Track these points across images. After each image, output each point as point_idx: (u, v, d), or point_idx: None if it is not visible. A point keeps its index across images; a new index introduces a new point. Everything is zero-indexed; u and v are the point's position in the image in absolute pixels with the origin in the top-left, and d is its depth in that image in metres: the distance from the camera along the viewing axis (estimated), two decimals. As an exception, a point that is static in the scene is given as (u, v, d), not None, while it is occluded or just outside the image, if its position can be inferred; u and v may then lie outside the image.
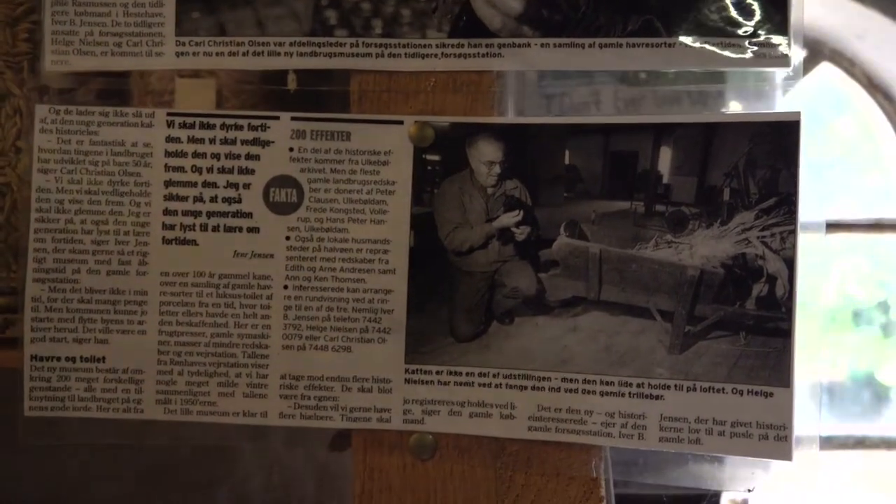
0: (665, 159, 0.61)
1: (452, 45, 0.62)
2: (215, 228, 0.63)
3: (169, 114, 0.63)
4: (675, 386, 0.60)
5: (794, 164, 0.59)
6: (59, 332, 0.63)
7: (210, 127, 0.63)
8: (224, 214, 0.63)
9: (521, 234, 0.62)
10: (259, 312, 0.63)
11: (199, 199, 0.63)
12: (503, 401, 0.62)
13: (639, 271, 0.61)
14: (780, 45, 0.60)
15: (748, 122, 0.60)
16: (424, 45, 0.62)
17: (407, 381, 0.63)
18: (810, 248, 0.59)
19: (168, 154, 0.63)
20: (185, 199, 0.63)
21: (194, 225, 0.63)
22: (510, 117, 0.64)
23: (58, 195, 0.63)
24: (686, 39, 0.61)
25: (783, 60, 0.60)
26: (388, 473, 0.63)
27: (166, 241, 0.63)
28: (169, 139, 0.63)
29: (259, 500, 1.06)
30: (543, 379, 0.62)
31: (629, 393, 0.61)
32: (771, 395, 0.59)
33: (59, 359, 0.63)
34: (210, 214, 0.63)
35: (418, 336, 0.62)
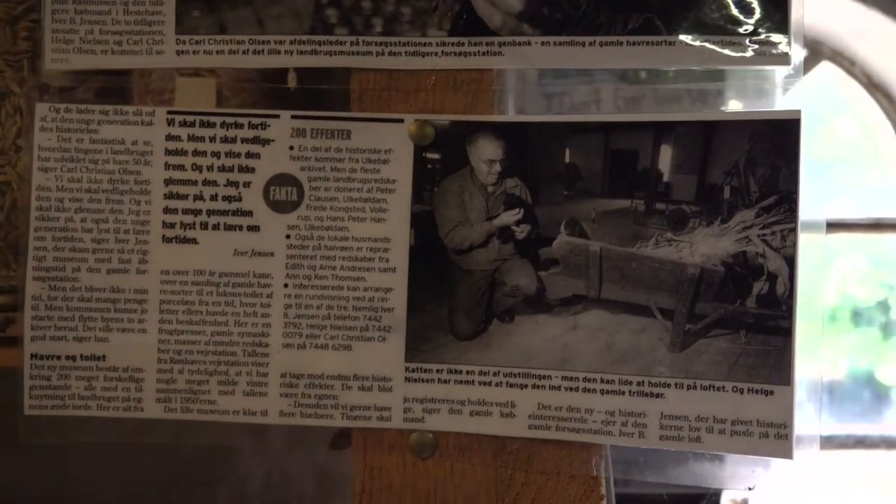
0: (665, 157, 0.61)
1: (453, 44, 0.62)
2: (215, 227, 0.63)
3: (169, 112, 0.63)
4: (676, 384, 0.60)
5: (795, 162, 0.59)
6: (60, 331, 0.63)
7: (210, 125, 0.63)
8: (224, 213, 0.63)
9: (522, 232, 0.62)
10: (259, 311, 0.63)
11: (199, 197, 0.63)
12: (503, 399, 0.62)
13: (639, 269, 0.61)
14: (780, 43, 0.60)
15: (748, 120, 0.60)
16: (425, 44, 0.62)
17: (407, 379, 0.63)
18: (811, 247, 0.59)
19: (168, 152, 0.63)
20: (185, 197, 0.63)
21: (194, 223, 0.63)
22: (510, 115, 0.64)
23: (58, 193, 0.63)
24: (686, 38, 0.61)
25: (783, 59, 0.60)
26: (389, 472, 0.63)
27: (166, 240, 0.63)
28: (169, 137, 0.63)
29: (259, 500, 1.06)
30: (544, 377, 0.61)
31: (629, 391, 0.60)
32: (771, 393, 0.59)
33: (59, 357, 0.63)
34: (210, 213, 0.63)
35: (419, 334, 0.62)
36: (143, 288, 0.63)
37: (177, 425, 0.64)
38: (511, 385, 0.62)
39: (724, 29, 0.61)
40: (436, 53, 0.62)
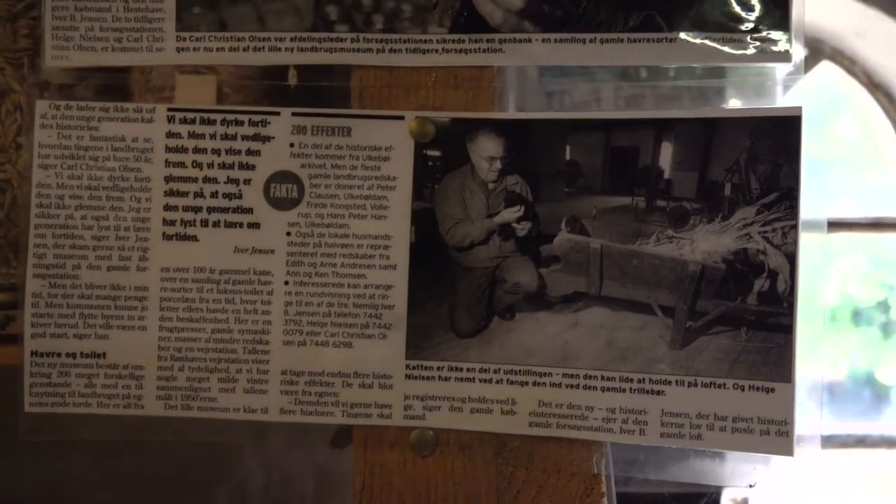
0: (666, 154, 0.61)
1: (453, 41, 0.62)
2: (216, 224, 0.63)
3: (169, 109, 0.63)
4: (677, 381, 0.60)
5: (796, 159, 0.59)
6: (60, 328, 0.63)
7: (211, 122, 0.63)
8: (224, 210, 0.63)
9: (522, 229, 0.62)
10: (260, 308, 0.63)
11: (199, 194, 0.63)
12: (504, 396, 0.62)
13: (640, 267, 0.61)
14: (781, 40, 0.60)
15: (749, 117, 0.60)
16: (425, 41, 0.62)
17: (408, 376, 0.62)
18: (812, 246, 0.59)
19: (168, 149, 0.63)
20: (185, 194, 0.63)
21: (195, 220, 0.63)
22: (511, 113, 0.64)
23: (58, 191, 0.63)
24: (687, 35, 0.61)
25: (784, 56, 0.60)
26: (389, 469, 0.63)
27: (167, 237, 0.63)
28: (169, 135, 0.63)
29: (260, 499, 1.06)
30: (544, 374, 0.61)
31: (630, 388, 0.60)
32: (772, 390, 0.59)
33: (59, 355, 0.63)
34: (210, 210, 0.63)
35: (419, 332, 0.62)
36: (144, 285, 0.63)
37: (177, 423, 0.63)
38: (512, 382, 0.62)
39: (725, 26, 0.61)
40: (436, 50, 0.62)
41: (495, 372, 0.62)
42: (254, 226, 0.63)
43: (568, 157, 0.62)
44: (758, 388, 0.59)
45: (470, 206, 0.63)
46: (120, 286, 0.63)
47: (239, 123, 0.63)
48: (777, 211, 0.59)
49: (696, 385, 0.60)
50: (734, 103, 0.63)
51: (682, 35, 0.61)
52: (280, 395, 0.63)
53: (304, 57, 0.63)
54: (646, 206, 0.61)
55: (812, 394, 0.60)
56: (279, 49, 0.63)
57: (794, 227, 0.59)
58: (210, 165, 0.63)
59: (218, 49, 0.63)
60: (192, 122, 0.63)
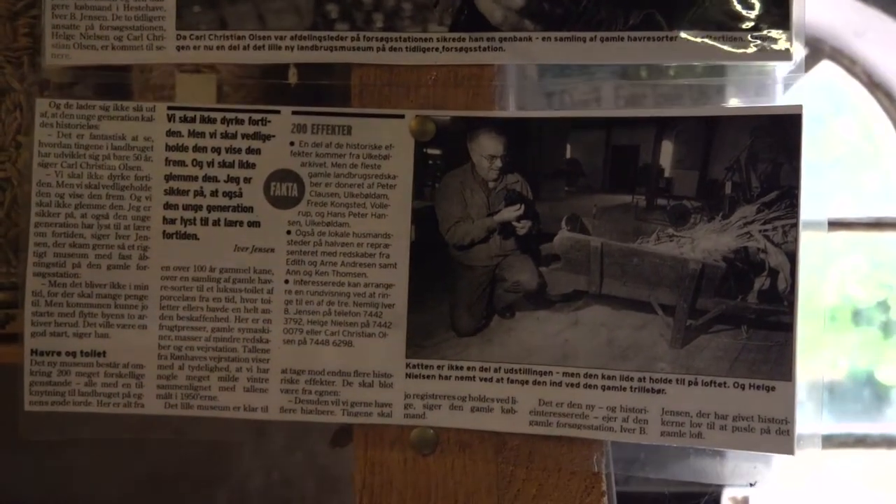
0: (666, 153, 0.61)
1: (453, 39, 0.62)
2: (216, 222, 0.63)
3: (170, 108, 0.63)
4: (677, 380, 0.60)
5: (796, 157, 0.59)
6: (60, 327, 0.63)
7: (211, 121, 0.63)
8: (225, 208, 0.63)
9: (523, 228, 0.62)
10: (260, 307, 0.63)
11: (199, 193, 0.63)
12: (504, 395, 0.62)
13: (640, 265, 0.61)
14: (781, 38, 0.60)
15: (750, 115, 0.60)
16: (425, 39, 0.62)
17: (408, 375, 0.62)
18: (812, 245, 0.59)
19: (169, 148, 0.63)
20: (185, 193, 0.63)
21: (195, 219, 0.63)
22: (511, 111, 0.64)
23: (58, 189, 0.63)
24: (687, 33, 0.61)
25: (784, 54, 0.60)
26: (390, 468, 0.63)
27: (167, 236, 0.63)
28: (169, 133, 0.63)
29: (260, 498, 1.06)
30: (545, 373, 0.61)
31: (631, 387, 0.60)
32: (773, 388, 0.59)
33: (59, 353, 0.63)
34: (211, 208, 0.63)
35: (419, 330, 0.62)
36: (144, 284, 0.63)
37: (177, 421, 0.63)
38: (512, 381, 0.62)
39: (726, 24, 0.61)
40: (437, 49, 0.62)
41: (496, 371, 0.62)
42: (254, 224, 0.63)
43: (568, 155, 0.62)
44: (758, 387, 0.59)
45: (470, 205, 0.62)
46: (120, 285, 0.63)
47: (239, 122, 0.63)
48: (777, 209, 0.59)
49: (696, 384, 0.60)
50: (734, 102, 0.63)
51: (683, 34, 0.61)
52: (280, 394, 0.63)
53: (305, 55, 0.63)
54: (646, 204, 0.61)
55: (812, 393, 0.60)
56: (279, 47, 0.63)
57: (795, 226, 0.59)
58: (210, 164, 0.63)
59: (218, 47, 0.63)
60: (193, 120, 0.63)
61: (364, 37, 0.62)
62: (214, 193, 0.63)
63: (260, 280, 0.63)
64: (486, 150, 0.62)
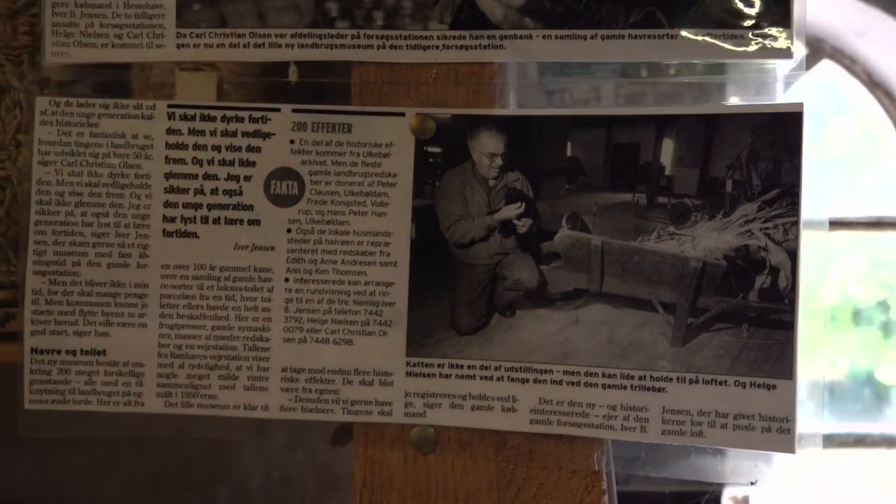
0: (667, 151, 0.61)
1: (454, 37, 0.62)
2: (216, 221, 0.63)
3: (170, 106, 0.63)
4: (678, 378, 0.60)
5: (797, 155, 0.59)
6: (60, 325, 0.63)
7: (211, 119, 0.63)
8: (225, 207, 0.63)
9: (523, 226, 0.62)
10: (260, 305, 0.63)
11: (199, 191, 0.63)
12: (505, 394, 0.62)
13: (641, 263, 0.61)
14: (782, 37, 0.60)
15: (751, 113, 0.60)
16: (426, 37, 0.62)
17: (408, 374, 0.62)
18: (813, 245, 0.59)
19: (169, 146, 0.63)
20: (185, 191, 0.63)
21: (195, 217, 0.63)
22: (512, 109, 0.64)
23: (58, 187, 0.63)
24: (688, 31, 0.61)
25: (785, 52, 0.60)
26: (390, 467, 0.63)
27: (167, 234, 0.63)
28: (170, 131, 0.63)
29: (260, 497, 1.06)
30: (545, 372, 0.61)
31: (631, 386, 0.60)
32: (774, 387, 0.58)
33: (59, 352, 0.63)
34: (211, 207, 0.63)
35: (420, 329, 0.62)
36: (144, 282, 0.63)
37: (177, 420, 0.63)
38: (512, 380, 0.62)
39: (726, 22, 0.61)
40: (437, 47, 0.62)
41: (496, 369, 0.62)
42: (254, 223, 0.63)
43: (569, 153, 0.62)
44: (759, 385, 0.59)
45: (471, 203, 0.62)
46: (120, 283, 0.63)
47: (239, 120, 0.63)
48: (778, 207, 0.59)
49: (697, 382, 0.60)
50: (735, 100, 0.63)
51: (683, 32, 0.61)
52: (280, 393, 0.63)
53: (305, 53, 0.63)
54: (647, 202, 0.61)
55: (813, 392, 0.59)
56: (280, 45, 0.63)
57: (796, 224, 0.59)
58: (210, 162, 0.63)
59: (218, 45, 0.63)
60: (193, 118, 0.63)
61: (364, 35, 0.62)
62: (214, 192, 0.63)
63: (260, 278, 0.63)
64: (487, 148, 0.62)
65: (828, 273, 0.61)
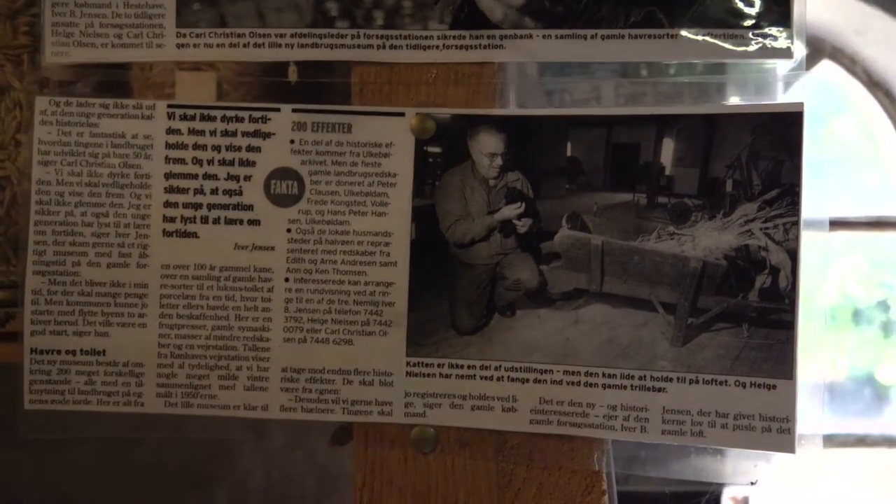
0: (667, 151, 0.61)
1: (454, 37, 0.62)
2: (216, 221, 0.63)
3: (169, 106, 0.63)
4: (678, 378, 0.60)
5: (797, 155, 0.59)
6: (60, 325, 0.63)
7: (211, 119, 0.63)
8: (225, 207, 0.63)
9: (523, 226, 0.62)
10: (260, 305, 0.63)
11: (199, 191, 0.63)
12: (505, 394, 0.62)
13: (641, 263, 0.61)
14: (782, 36, 0.60)
15: (751, 113, 0.60)
16: (426, 37, 0.62)
17: (408, 374, 0.62)
18: (813, 245, 0.59)
19: (169, 146, 0.63)
20: (185, 191, 0.63)
21: (195, 217, 0.63)
22: (512, 109, 0.64)
23: (58, 187, 0.63)
24: (688, 31, 0.61)
25: (785, 52, 0.60)
26: (390, 466, 0.63)
27: (167, 234, 0.63)
28: (169, 131, 0.63)
29: (260, 497, 1.06)
30: (545, 372, 0.61)
31: (631, 385, 0.60)
32: (774, 387, 0.58)
33: (59, 352, 0.63)
34: (211, 207, 0.63)
35: (420, 329, 0.62)
36: (144, 282, 0.63)
37: (177, 420, 0.63)
38: (512, 379, 0.62)
39: (726, 22, 0.61)
40: (437, 47, 0.62)
41: (496, 369, 0.62)
42: (254, 222, 0.63)
43: (569, 153, 0.62)
44: (759, 385, 0.59)
45: (470, 203, 0.62)
46: (120, 283, 0.63)
47: (239, 120, 0.63)
48: (779, 207, 0.59)
49: (697, 382, 0.60)
50: (735, 100, 0.63)
51: (684, 31, 0.61)
52: (280, 393, 0.63)
53: (305, 53, 0.63)
54: (647, 202, 0.61)
55: (813, 392, 0.59)
56: (279, 45, 0.63)
57: (796, 224, 0.59)
58: (210, 162, 0.63)
59: (218, 45, 0.63)
60: (193, 118, 0.63)
61: (364, 35, 0.62)
62: (214, 191, 0.63)
63: (260, 278, 0.63)
64: (487, 147, 0.62)
65: (828, 273, 0.61)
